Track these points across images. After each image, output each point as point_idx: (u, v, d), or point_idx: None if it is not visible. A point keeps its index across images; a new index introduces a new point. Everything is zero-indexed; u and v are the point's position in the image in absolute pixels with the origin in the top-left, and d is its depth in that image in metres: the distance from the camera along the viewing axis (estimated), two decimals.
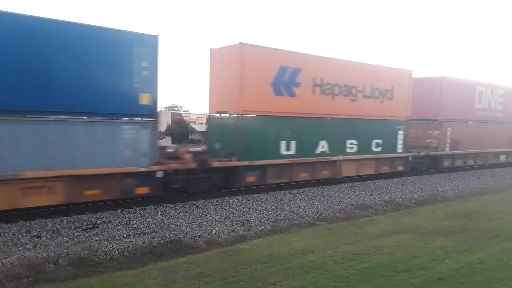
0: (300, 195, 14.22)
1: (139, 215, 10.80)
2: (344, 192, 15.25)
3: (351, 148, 16.68)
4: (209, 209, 11.75)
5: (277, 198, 13.61)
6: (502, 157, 25.56)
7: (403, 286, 6.25)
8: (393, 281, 6.40)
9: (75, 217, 10.28)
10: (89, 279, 6.55)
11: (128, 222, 10.16)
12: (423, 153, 20.04)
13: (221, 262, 7.26)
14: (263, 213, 11.48)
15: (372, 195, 14.96)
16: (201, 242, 8.76)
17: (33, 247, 8.06)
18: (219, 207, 12.09)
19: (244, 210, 11.90)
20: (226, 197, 13.20)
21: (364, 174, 17.57)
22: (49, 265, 7.11)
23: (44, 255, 7.47)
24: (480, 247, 8.29)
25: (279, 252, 7.84)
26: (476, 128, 23.00)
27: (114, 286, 6.17)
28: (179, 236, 8.99)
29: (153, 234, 9.13)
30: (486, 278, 6.58)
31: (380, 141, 17.65)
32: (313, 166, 15.50)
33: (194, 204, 12.18)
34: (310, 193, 14.61)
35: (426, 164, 20.52)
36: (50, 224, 9.56)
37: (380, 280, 6.45)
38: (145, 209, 11.42)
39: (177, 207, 11.81)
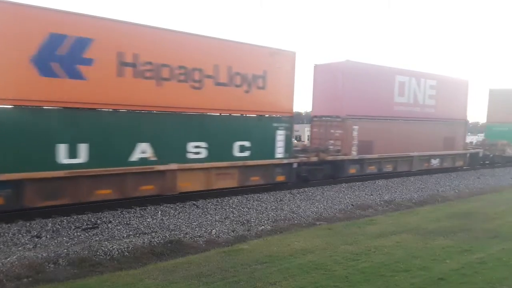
0: (300, 195, 14.22)
1: (139, 215, 10.80)
2: (344, 192, 15.24)
3: (197, 153, 12.38)
4: (209, 209, 11.75)
5: (277, 198, 13.61)
6: (435, 162, 21.17)
7: (403, 286, 6.25)
8: (393, 281, 6.40)
9: (75, 217, 10.28)
10: (89, 279, 6.54)
11: (128, 222, 10.15)
12: (315, 159, 15.77)
13: (221, 262, 7.26)
14: (263, 213, 11.48)
15: (372, 195, 14.96)
16: (201, 242, 8.76)
17: (33, 247, 8.06)
18: (219, 207, 12.09)
19: (244, 210, 11.90)
20: (226, 197, 13.19)
21: (221, 188, 13.31)
22: (49, 265, 7.11)
23: (44, 255, 7.47)
24: (480, 247, 8.29)
25: (279, 252, 7.84)
26: (396, 127, 18.58)
27: (114, 286, 6.17)
28: (179, 236, 8.99)
29: (153, 234, 9.13)
30: (486, 278, 6.58)
31: (247, 143, 13.48)
32: (122, 180, 11.07)
33: (194, 204, 12.18)
34: (310, 193, 14.61)
35: (323, 172, 16.41)
36: (50, 224, 9.56)
37: (380, 280, 6.45)
38: (145, 209, 11.42)
39: (177, 207, 11.81)
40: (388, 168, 18.72)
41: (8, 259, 7.17)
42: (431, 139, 20.41)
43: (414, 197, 14.99)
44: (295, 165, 15.13)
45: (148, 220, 10.39)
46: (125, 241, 8.44)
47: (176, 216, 10.88)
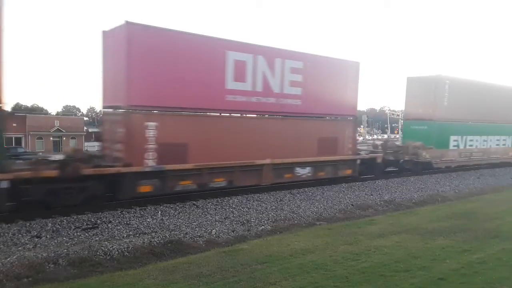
0: (300, 195, 14.21)
1: (139, 215, 10.79)
2: (344, 192, 15.24)
3: None
4: (209, 209, 11.74)
5: (277, 198, 13.61)
6: (304, 172, 15.21)
7: (403, 286, 6.25)
8: (393, 281, 6.40)
9: (75, 217, 10.28)
10: (89, 279, 6.55)
11: (128, 222, 10.15)
12: (51, 173, 10.06)
13: (221, 262, 7.25)
14: (263, 213, 11.48)
15: (372, 195, 14.95)
16: (201, 242, 8.76)
17: (33, 247, 8.06)
18: (219, 207, 12.09)
19: (244, 210, 11.90)
20: (226, 197, 13.19)
21: None
22: (49, 265, 7.11)
23: (44, 255, 7.47)
24: (480, 247, 8.29)
25: (279, 252, 7.84)
26: (232, 125, 13.35)
27: (114, 286, 6.17)
28: (179, 236, 8.99)
29: (153, 234, 9.13)
30: (486, 278, 6.58)
31: None
32: None
33: (194, 204, 12.18)
34: (310, 193, 14.60)
35: (84, 192, 10.78)
36: (50, 224, 9.56)
37: (380, 280, 6.45)
38: (145, 209, 11.42)
39: (177, 207, 11.81)
40: (219, 182, 13.01)
41: (8, 259, 7.18)
42: (296, 142, 14.74)
43: (414, 197, 14.99)
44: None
45: (148, 220, 10.39)
46: (125, 241, 8.45)
47: (176, 216, 10.88)
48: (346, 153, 16.60)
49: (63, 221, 9.87)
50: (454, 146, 22.08)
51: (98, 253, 7.71)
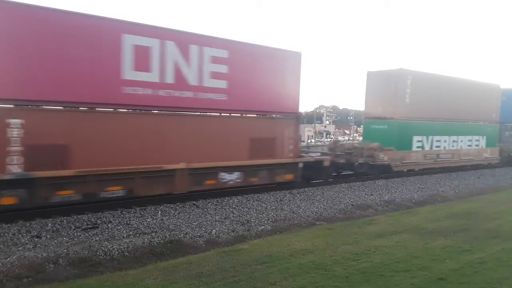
0: (300, 195, 14.21)
1: (139, 215, 10.79)
2: (344, 192, 15.24)
3: None
4: (209, 209, 11.74)
5: (277, 198, 13.60)
6: (231, 177, 13.09)
7: (403, 286, 6.25)
8: (393, 281, 6.40)
9: (75, 217, 10.28)
10: (89, 279, 6.55)
11: (128, 222, 10.15)
12: None
13: (221, 262, 7.25)
14: (263, 213, 11.47)
15: (372, 195, 14.95)
16: (201, 242, 8.76)
17: (33, 247, 8.06)
18: (219, 207, 12.08)
19: (244, 210, 11.90)
20: (226, 197, 13.19)
21: None
22: (49, 265, 7.11)
23: (44, 255, 7.47)
24: (480, 247, 8.29)
25: (279, 252, 7.84)
26: (130, 123, 11.13)
27: (114, 286, 6.17)
28: (179, 236, 8.99)
29: (153, 234, 9.13)
30: (486, 278, 6.58)
31: None
32: None
33: (194, 204, 12.18)
34: (310, 193, 14.60)
35: None
36: (50, 224, 9.56)
37: (380, 280, 6.45)
38: (145, 209, 11.42)
39: (177, 207, 11.81)
40: (114, 191, 10.90)
41: (8, 259, 7.17)
42: (221, 143, 12.73)
43: (414, 197, 14.99)
44: None
45: (148, 220, 10.39)
46: (125, 241, 8.45)
47: (176, 216, 10.88)
48: (286, 156, 14.38)
49: (63, 221, 9.87)
50: (418, 147, 19.82)
51: (98, 253, 7.71)
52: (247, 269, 6.89)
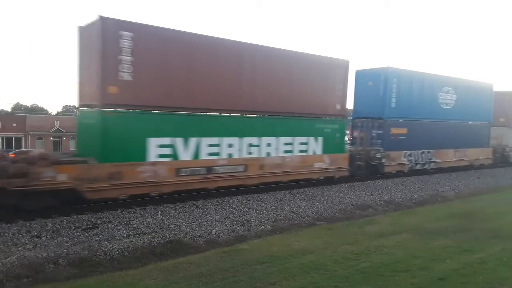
0: (300, 195, 14.22)
1: (139, 215, 10.80)
2: (344, 192, 15.24)
3: None
4: (209, 209, 11.75)
5: (277, 198, 13.61)
6: None
7: (403, 286, 6.25)
8: (393, 281, 6.40)
9: (75, 217, 10.28)
10: (89, 279, 6.55)
11: (128, 222, 10.15)
12: None
13: (221, 262, 7.26)
14: (263, 213, 11.48)
15: (372, 195, 14.96)
16: (201, 242, 8.76)
17: (33, 247, 8.06)
18: (219, 207, 12.09)
19: (244, 210, 11.90)
20: (226, 197, 13.19)
21: None
22: (49, 265, 7.12)
23: (44, 255, 7.47)
24: (480, 247, 8.29)
25: (279, 252, 7.84)
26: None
27: (114, 286, 6.18)
28: (179, 236, 8.99)
29: (153, 234, 9.13)
30: (486, 278, 6.58)
31: None
32: None
33: (194, 204, 12.18)
34: (310, 193, 14.61)
35: None
36: (50, 224, 9.56)
37: (380, 280, 6.45)
38: (145, 209, 11.42)
39: (177, 207, 11.81)
40: None
41: (8, 259, 7.18)
42: None
43: (414, 197, 14.99)
44: None
45: (148, 220, 10.39)
46: (125, 241, 8.45)
47: (176, 216, 10.88)
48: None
49: (63, 221, 9.87)
50: (160, 156, 11.78)
51: (98, 253, 7.71)
52: (247, 269, 6.89)
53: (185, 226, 9.97)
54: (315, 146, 15.67)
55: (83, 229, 9.41)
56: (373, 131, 19.10)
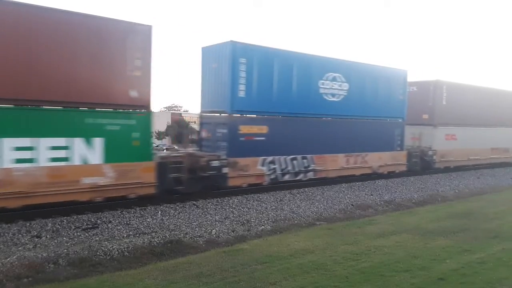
0: (300, 195, 14.22)
1: (139, 215, 10.79)
2: (344, 192, 15.24)
3: None
4: (209, 209, 11.75)
5: (277, 198, 13.61)
6: None
7: (403, 286, 6.25)
8: (393, 281, 6.40)
9: (75, 217, 10.28)
10: (89, 279, 6.55)
11: (128, 222, 10.15)
12: None
13: (221, 262, 7.26)
14: (263, 213, 11.47)
15: (372, 195, 14.96)
16: (201, 242, 8.76)
17: (33, 247, 8.06)
18: (219, 207, 12.09)
19: (244, 210, 11.90)
20: (226, 197, 13.19)
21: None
22: (49, 265, 7.11)
23: (44, 255, 7.47)
24: (480, 247, 8.29)
25: (279, 252, 7.84)
26: None
27: (114, 286, 6.17)
28: (179, 236, 8.99)
29: (153, 234, 9.13)
30: (486, 278, 6.58)
31: None
32: None
33: (194, 204, 12.18)
34: (310, 193, 14.61)
35: None
36: (50, 224, 9.56)
37: (380, 280, 6.45)
38: (145, 209, 11.42)
39: (177, 207, 11.81)
40: None
41: (8, 259, 7.17)
42: None
43: (414, 197, 14.98)
44: None
45: (148, 220, 10.39)
46: (125, 241, 8.44)
47: (176, 216, 10.88)
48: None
49: (63, 221, 9.87)
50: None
51: (98, 253, 7.71)
52: (247, 269, 6.89)
53: (185, 226, 9.97)
54: (87, 151, 10.45)
55: (83, 229, 9.41)
56: (218, 130, 14.25)
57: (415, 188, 16.85)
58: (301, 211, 11.88)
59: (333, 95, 16.18)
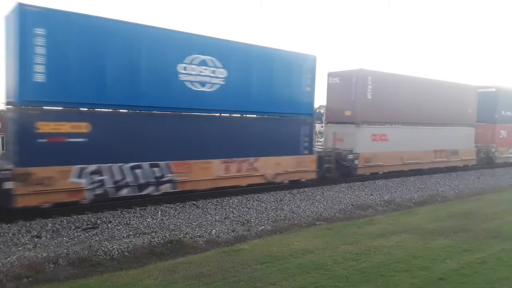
0: (300, 195, 14.22)
1: (139, 215, 10.80)
2: (344, 192, 15.25)
3: None
4: (209, 209, 11.75)
5: (277, 198, 13.61)
6: None
7: (403, 286, 6.25)
8: (393, 281, 6.40)
9: (75, 217, 10.28)
10: (89, 279, 6.55)
11: (128, 222, 10.16)
12: None
13: (221, 262, 7.26)
14: (263, 213, 11.48)
15: (372, 195, 14.96)
16: (201, 242, 8.76)
17: (33, 247, 8.07)
18: (219, 207, 12.09)
19: (244, 210, 11.90)
20: (226, 197, 13.20)
21: None
22: (49, 265, 7.11)
23: (44, 255, 7.47)
24: (480, 247, 8.29)
25: (279, 252, 7.84)
26: None
27: (114, 286, 6.17)
28: (179, 236, 8.99)
29: (153, 234, 9.13)
30: (486, 278, 6.58)
31: None
32: None
33: (194, 204, 12.18)
34: (310, 193, 14.61)
35: None
36: (50, 224, 9.57)
37: (380, 280, 6.45)
38: (145, 209, 11.42)
39: (177, 207, 11.82)
40: None
41: (8, 259, 7.18)
42: None
43: (414, 197, 14.99)
44: None
45: (148, 220, 10.39)
46: (125, 241, 8.45)
47: (176, 216, 10.89)
48: None
49: (63, 221, 9.88)
50: None
51: (98, 253, 7.71)
52: (247, 269, 6.89)
53: (185, 226, 9.97)
54: None
55: (83, 229, 9.41)
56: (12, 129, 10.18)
57: (415, 188, 16.86)
58: (301, 211, 11.88)
59: (202, 84, 12.23)
